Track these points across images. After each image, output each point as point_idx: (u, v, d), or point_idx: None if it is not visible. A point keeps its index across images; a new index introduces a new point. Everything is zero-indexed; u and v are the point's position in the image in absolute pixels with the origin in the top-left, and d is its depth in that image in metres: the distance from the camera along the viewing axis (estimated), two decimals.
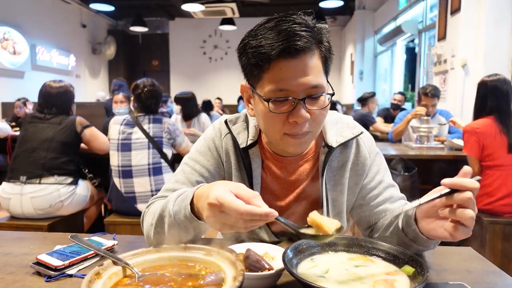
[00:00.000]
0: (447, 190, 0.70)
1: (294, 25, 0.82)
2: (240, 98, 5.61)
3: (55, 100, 2.53)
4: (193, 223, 0.78)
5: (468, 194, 0.68)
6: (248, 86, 0.92)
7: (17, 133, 3.29)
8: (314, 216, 0.73)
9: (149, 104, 2.55)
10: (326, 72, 0.89)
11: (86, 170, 2.71)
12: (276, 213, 0.65)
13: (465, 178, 0.70)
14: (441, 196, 0.71)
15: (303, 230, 0.72)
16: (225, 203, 0.64)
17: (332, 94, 0.89)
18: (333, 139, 0.98)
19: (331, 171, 1.01)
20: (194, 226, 0.79)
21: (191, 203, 0.78)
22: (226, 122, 1.04)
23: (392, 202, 1.02)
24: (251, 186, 1.01)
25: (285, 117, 0.86)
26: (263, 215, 0.64)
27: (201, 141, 1.07)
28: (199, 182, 1.01)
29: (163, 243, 0.86)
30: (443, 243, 0.87)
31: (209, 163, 1.03)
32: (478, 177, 0.72)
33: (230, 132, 1.02)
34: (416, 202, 0.74)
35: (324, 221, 0.71)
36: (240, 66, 0.90)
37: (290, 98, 0.84)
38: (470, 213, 0.69)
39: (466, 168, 0.71)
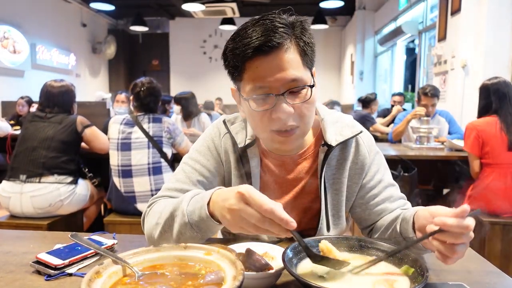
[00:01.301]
0: (436, 228, 0.69)
1: (268, 23, 0.84)
2: None
3: (57, 99, 2.53)
4: (208, 224, 0.79)
5: (458, 237, 0.67)
6: (235, 89, 0.94)
7: (17, 132, 3.29)
8: (326, 243, 0.77)
9: (147, 102, 2.55)
10: (308, 65, 0.89)
11: (86, 170, 2.71)
12: (295, 225, 0.66)
13: (458, 220, 0.67)
14: (430, 235, 0.71)
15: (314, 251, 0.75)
16: (253, 195, 0.68)
17: (312, 86, 0.89)
18: (333, 138, 0.98)
19: (330, 169, 1.01)
20: (207, 227, 0.81)
21: (208, 204, 0.79)
22: (224, 122, 1.05)
23: (392, 201, 1.02)
24: (250, 185, 1.01)
25: (269, 114, 0.87)
26: (282, 220, 0.65)
27: (201, 141, 1.08)
28: (200, 181, 1.01)
29: (168, 243, 0.86)
30: None
31: (209, 162, 1.04)
32: (478, 210, 0.70)
33: (229, 131, 1.03)
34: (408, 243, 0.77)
35: (334, 250, 0.76)
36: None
37: (271, 94, 0.85)
38: (459, 250, 0.68)
39: (465, 207, 0.67)
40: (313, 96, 0.89)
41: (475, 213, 0.69)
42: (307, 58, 0.89)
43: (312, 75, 0.91)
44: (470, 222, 0.67)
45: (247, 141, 1.00)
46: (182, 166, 1.05)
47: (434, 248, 0.72)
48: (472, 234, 0.69)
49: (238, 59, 0.85)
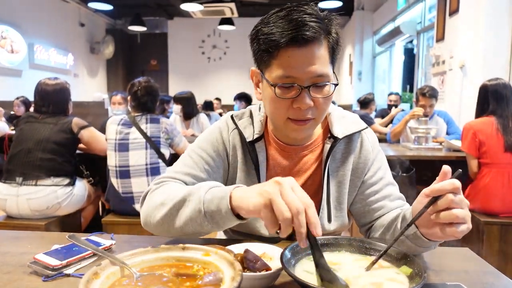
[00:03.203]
0: (429, 199, 0.72)
1: (305, 15, 0.86)
2: (236, 98, 5.58)
3: (51, 97, 2.49)
4: (224, 217, 0.78)
5: (450, 197, 0.69)
6: (257, 71, 0.97)
7: (13, 132, 3.28)
8: None
9: (145, 101, 2.54)
10: (333, 62, 0.93)
11: (84, 167, 2.69)
12: (320, 233, 0.66)
13: (443, 182, 0.71)
14: (425, 208, 0.73)
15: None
16: (298, 186, 0.69)
17: (336, 84, 0.92)
18: (339, 131, 1.01)
19: (335, 162, 1.04)
20: (220, 219, 0.80)
21: (230, 197, 0.78)
22: (232, 117, 1.07)
23: (391, 200, 1.03)
24: (258, 177, 1.04)
25: (290, 102, 0.90)
26: (314, 222, 0.66)
27: (208, 131, 1.09)
28: (206, 170, 1.03)
29: (169, 227, 0.87)
30: (441, 244, 0.87)
31: (215, 153, 1.05)
32: (459, 171, 0.73)
33: (237, 127, 1.05)
34: (407, 223, 0.77)
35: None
36: (252, 51, 0.94)
37: (296, 85, 0.88)
38: (455, 213, 0.69)
39: (445, 168, 0.72)
40: (333, 93, 0.93)
41: (458, 174, 0.72)
42: (334, 55, 0.92)
43: (333, 71, 0.94)
44: (455, 180, 0.70)
45: (255, 136, 1.02)
46: (189, 152, 1.06)
47: (435, 228, 0.74)
48: (464, 200, 0.70)
49: (272, 44, 0.86)
